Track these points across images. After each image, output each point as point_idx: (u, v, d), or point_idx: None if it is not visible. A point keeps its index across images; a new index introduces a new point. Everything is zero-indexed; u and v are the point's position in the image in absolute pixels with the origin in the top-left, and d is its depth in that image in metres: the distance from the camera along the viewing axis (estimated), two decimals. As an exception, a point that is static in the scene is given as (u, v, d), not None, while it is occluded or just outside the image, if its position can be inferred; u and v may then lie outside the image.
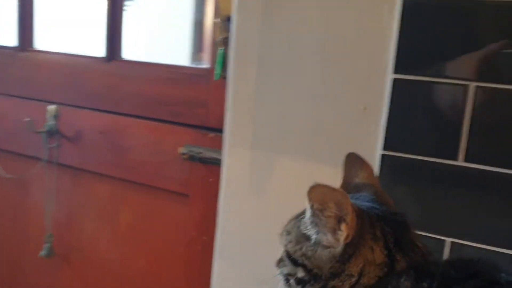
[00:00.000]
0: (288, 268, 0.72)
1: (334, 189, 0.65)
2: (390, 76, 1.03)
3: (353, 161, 0.83)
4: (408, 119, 1.04)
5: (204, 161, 1.55)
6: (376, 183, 0.81)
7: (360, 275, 0.67)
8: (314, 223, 0.69)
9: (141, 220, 1.67)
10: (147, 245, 1.66)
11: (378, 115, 1.07)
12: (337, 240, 0.67)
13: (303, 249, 0.70)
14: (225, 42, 1.52)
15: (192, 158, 1.56)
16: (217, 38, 1.52)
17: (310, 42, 1.13)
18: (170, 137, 1.58)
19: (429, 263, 0.68)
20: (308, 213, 0.70)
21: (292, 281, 0.72)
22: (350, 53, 1.09)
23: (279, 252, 0.77)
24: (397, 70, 1.03)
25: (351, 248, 0.67)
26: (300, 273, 0.70)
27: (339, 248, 0.67)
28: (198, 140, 1.54)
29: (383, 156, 1.06)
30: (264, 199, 1.23)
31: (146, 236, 1.66)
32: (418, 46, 1.01)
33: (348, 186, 0.80)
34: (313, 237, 0.69)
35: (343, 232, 0.66)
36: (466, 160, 0.98)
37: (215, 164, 1.52)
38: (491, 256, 0.98)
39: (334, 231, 0.67)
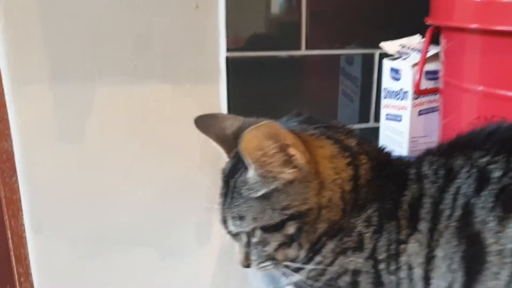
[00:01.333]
0: (274, 240, 0.62)
1: (258, 128, 0.56)
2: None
3: (208, 120, 0.73)
4: (247, 15, 0.95)
5: None
6: (242, 119, 0.73)
7: (337, 173, 0.62)
8: (264, 175, 0.59)
9: None
10: None
11: (213, 14, 0.94)
12: (296, 166, 0.60)
13: (277, 205, 0.60)
14: None
15: None
16: None
17: None
18: None
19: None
20: (251, 172, 0.60)
21: (281, 251, 0.63)
22: None
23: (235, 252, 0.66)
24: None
25: (311, 161, 0.61)
26: (292, 227, 0.61)
27: (304, 170, 0.60)
28: None
29: (228, 58, 0.95)
30: (81, 144, 0.96)
31: None
32: None
33: (229, 141, 0.69)
34: (272, 187, 0.60)
35: (297, 154, 0.60)
36: (307, 48, 0.99)
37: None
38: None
39: (288, 162, 0.60)
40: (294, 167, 0.60)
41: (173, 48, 0.94)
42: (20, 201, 1.01)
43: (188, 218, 1.05)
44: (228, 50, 0.95)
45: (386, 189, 0.62)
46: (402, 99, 0.92)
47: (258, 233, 0.62)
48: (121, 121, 0.96)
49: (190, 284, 1.09)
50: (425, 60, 0.83)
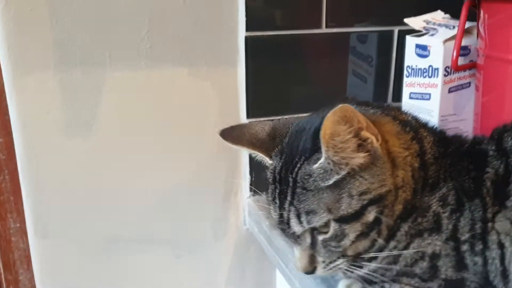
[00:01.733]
0: (352, 231, 0.57)
1: (334, 112, 0.53)
2: None
3: (235, 131, 0.69)
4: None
5: None
6: (270, 122, 0.70)
7: (406, 149, 0.60)
8: (337, 161, 0.56)
9: None
10: None
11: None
12: (369, 150, 0.57)
13: (354, 191, 0.56)
14: None
15: None
16: None
17: None
18: None
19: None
20: (321, 160, 0.56)
21: (354, 245, 0.59)
22: None
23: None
24: None
25: (383, 141, 0.59)
26: (372, 213, 0.57)
27: (377, 152, 0.57)
28: None
29: (247, 38, 0.89)
30: (89, 138, 0.87)
31: None
32: None
33: (266, 144, 0.66)
34: (344, 173, 0.56)
35: (371, 138, 0.57)
36: (328, 26, 0.94)
37: None
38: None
39: (360, 147, 0.57)
40: (367, 151, 0.56)
41: (189, 29, 0.87)
42: (8, 202, 0.92)
43: (203, 213, 0.99)
44: (247, 29, 0.88)
45: (461, 167, 0.60)
46: (431, 76, 0.89)
47: (333, 226, 0.57)
48: (134, 110, 0.88)
49: (206, 281, 1.03)
50: (462, 35, 0.80)
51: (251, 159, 0.96)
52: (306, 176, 0.57)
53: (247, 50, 0.90)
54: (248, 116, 0.92)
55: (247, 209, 0.99)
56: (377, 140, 0.57)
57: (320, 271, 0.60)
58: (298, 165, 0.58)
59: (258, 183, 0.97)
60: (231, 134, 0.68)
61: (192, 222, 0.98)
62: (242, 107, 0.93)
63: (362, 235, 0.57)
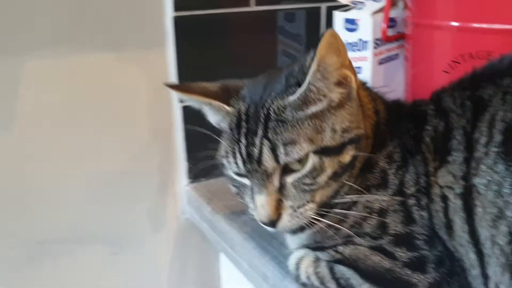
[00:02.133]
0: (331, 167, 0.57)
1: (330, 33, 0.54)
2: None
3: (184, 85, 0.72)
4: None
5: None
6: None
7: (369, 101, 0.64)
8: (320, 89, 0.57)
9: None
10: None
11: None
12: (346, 88, 0.58)
13: (337, 126, 0.57)
14: None
15: None
16: None
17: None
18: None
19: None
20: (301, 89, 0.56)
21: (322, 190, 0.58)
22: None
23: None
24: None
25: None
26: (349, 153, 0.58)
27: (353, 94, 0.59)
28: None
29: (176, 18, 0.85)
30: (7, 133, 0.80)
31: None
32: None
33: (220, 95, 0.64)
34: (321, 106, 0.57)
35: (351, 77, 0.59)
36: (257, 4, 0.92)
37: None
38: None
39: (339, 83, 0.58)
40: (344, 88, 0.58)
41: (112, 11, 0.82)
42: None
43: (138, 204, 0.94)
44: (176, 9, 0.85)
45: (403, 127, 0.61)
46: (361, 50, 0.90)
47: (313, 158, 0.56)
48: (57, 100, 0.82)
49: (146, 276, 0.98)
50: (390, 5, 0.82)
51: (188, 145, 0.93)
52: (282, 109, 0.57)
53: (176, 31, 0.86)
54: (181, 100, 0.89)
55: (186, 197, 0.96)
56: (356, 81, 0.59)
57: (285, 218, 0.58)
58: (269, 100, 0.58)
59: (195, 170, 0.94)
60: (180, 87, 0.68)
61: (127, 215, 0.93)
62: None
63: (335, 176, 0.57)
